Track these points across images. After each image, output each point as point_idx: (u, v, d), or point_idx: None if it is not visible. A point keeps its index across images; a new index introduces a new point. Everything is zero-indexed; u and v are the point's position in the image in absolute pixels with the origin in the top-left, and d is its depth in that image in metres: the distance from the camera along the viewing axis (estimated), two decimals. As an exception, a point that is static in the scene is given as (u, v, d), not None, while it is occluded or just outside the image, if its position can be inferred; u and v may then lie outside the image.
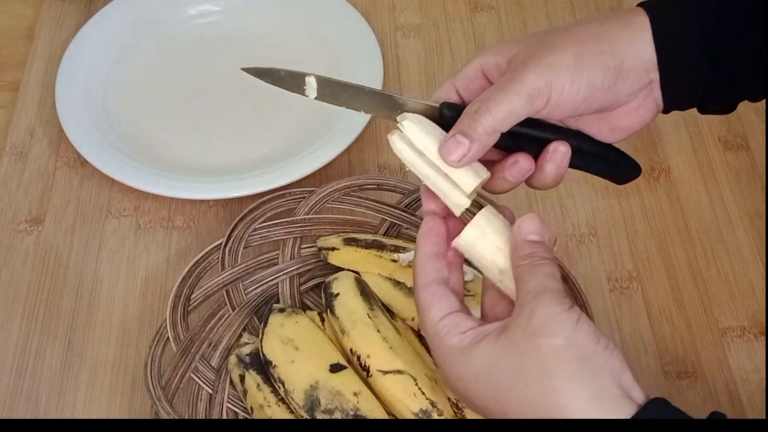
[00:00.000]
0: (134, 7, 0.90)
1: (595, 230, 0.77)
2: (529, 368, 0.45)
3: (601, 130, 0.54)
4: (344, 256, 0.70)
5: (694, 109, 0.55)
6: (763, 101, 0.56)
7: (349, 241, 0.70)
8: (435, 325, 0.49)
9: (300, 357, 0.63)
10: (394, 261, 0.68)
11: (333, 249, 0.70)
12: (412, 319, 0.66)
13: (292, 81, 0.54)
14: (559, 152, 0.52)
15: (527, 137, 0.52)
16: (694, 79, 0.52)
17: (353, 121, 0.80)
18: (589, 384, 0.44)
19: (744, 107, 0.84)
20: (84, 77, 0.85)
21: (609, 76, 0.51)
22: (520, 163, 0.52)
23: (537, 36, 0.53)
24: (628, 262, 0.75)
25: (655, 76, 0.52)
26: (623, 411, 0.44)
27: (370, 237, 0.70)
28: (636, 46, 0.51)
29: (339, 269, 0.70)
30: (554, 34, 0.53)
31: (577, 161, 0.53)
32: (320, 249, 0.71)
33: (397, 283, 0.68)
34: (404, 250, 0.69)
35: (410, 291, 0.67)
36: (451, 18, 0.92)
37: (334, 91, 0.54)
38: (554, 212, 0.78)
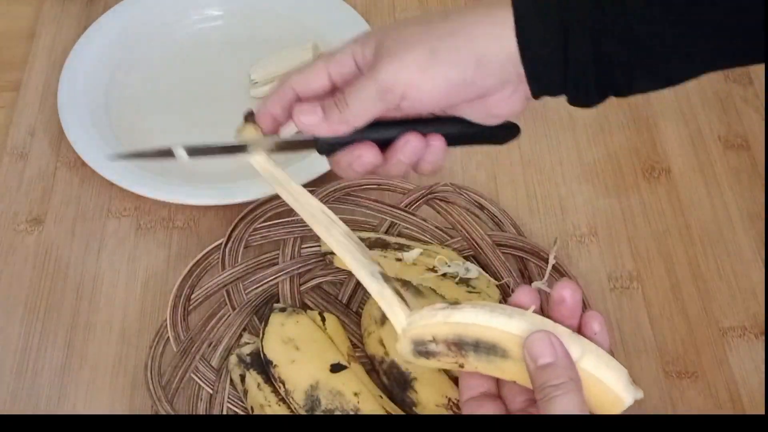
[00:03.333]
0: (137, 11, 0.90)
1: (595, 230, 0.77)
2: None
3: (479, 116, 0.54)
4: None
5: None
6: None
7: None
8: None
9: (301, 357, 0.63)
10: (399, 260, 0.68)
11: None
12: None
13: (161, 154, 0.58)
14: (409, 144, 0.53)
15: (381, 128, 0.53)
16: (557, 75, 0.51)
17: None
18: None
19: (744, 107, 0.85)
20: (86, 79, 0.85)
21: (467, 71, 0.50)
22: (363, 157, 0.54)
23: (399, 27, 0.53)
24: (629, 262, 0.75)
25: (521, 69, 0.51)
26: None
27: (373, 235, 0.70)
28: (498, 41, 0.50)
29: (345, 271, 0.70)
30: (415, 26, 0.52)
31: (454, 142, 0.55)
32: (325, 254, 0.71)
33: (405, 283, 0.68)
34: (408, 248, 0.69)
35: (418, 291, 0.67)
36: (452, 18, 0.92)
37: (202, 152, 0.59)
38: (554, 212, 0.78)
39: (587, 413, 0.44)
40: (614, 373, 0.46)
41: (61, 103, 0.82)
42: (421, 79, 0.50)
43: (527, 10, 0.50)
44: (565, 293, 0.49)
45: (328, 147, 0.54)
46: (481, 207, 0.74)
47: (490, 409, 0.49)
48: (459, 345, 0.48)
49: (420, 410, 0.62)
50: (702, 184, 0.80)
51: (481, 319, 0.48)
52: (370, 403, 0.61)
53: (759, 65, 0.53)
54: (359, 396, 0.61)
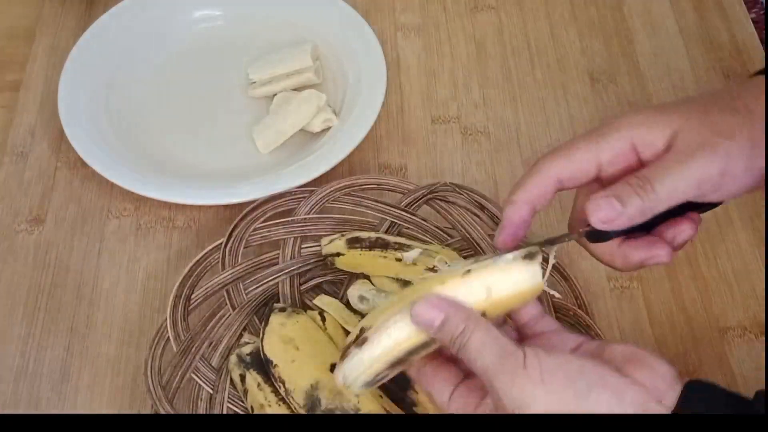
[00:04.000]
0: (137, 11, 0.90)
1: (595, 230, 0.77)
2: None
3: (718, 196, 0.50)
4: (350, 260, 0.70)
5: None
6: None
7: (352, 243, 0.70)
8: (447, 411, 0.49)
9: (301, 357, 0.63)
10: (399, 260, 0.68)
11: (338, 255, 0.70)
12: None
13: None
14: (686, 232, 0.50)
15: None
16: None
17: (355, 127, 0.80)
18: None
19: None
20: (87, 79, 0.85)
21: None
22: (660, 257, 0.50)
23: (696, 107, 0.50)
24: (629, 262, 0.75)
25: None
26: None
27: (373, 235, 0.70)
28: None
29: (345, 271, 0.70)
30: (719, 110, 0.49)
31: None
32: (326, 256, 0.71)
33: (405, 283, 0.68)
34: (408, 247, 0.69)
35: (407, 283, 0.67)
36: (451, 18, 0.92)
37: None
38: (554, 212, 0.78)
39: (498, 339, 0.45)
40: (508, 275, 0.47)
41: (61, 103, 0.82)
42: (741, 171, 0.48)
43: None
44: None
45: (605, 236, 0.50)
46: (481, 207, 0.74)
47: (444, 375, 0.49)
48: (399, 362, 0.50)
49: (420, 410, 0.62)
50: (702, 184, 0.79)
51: (391, 342, 0.48)
52: (370, 403, 0.61)
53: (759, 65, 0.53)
54: (359, 396, 0.61)
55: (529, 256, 0.48)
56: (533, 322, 0.52)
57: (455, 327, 0.46)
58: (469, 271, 0.48)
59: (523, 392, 0.44)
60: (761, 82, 0.51)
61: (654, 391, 0.45)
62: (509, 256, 0.48)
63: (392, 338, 0.48)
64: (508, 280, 0.48)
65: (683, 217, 0.51)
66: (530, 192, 0.51)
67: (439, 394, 0.49)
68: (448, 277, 0.48)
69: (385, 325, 0.49)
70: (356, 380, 0.50)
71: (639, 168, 0.50)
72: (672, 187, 0.48)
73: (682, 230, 0.51)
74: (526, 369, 0.44)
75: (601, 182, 0.52)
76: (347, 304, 0.68)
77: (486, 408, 0.47)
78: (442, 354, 0.51)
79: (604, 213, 0.48)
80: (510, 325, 0.53)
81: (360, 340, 0.49)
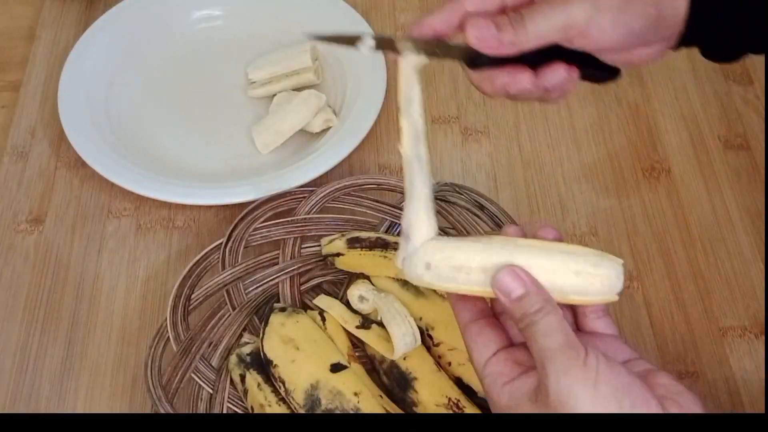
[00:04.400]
0: (137, 11, 0.90)
1: (595, 230, 0.77)
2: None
3: (614, 60, 0.55)
4: (350, 260, 0.70)
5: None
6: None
7: (352, 243, 0.70)
8: (480, 372, 0.49)
9: (301, 357, 0.63)
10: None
11: (338, 255, 0.70)
12: (420, 318, 0.66)
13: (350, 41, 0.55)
14: (557, 74, 0.53)
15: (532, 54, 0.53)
16: (719, 33, 0.53)
17: (355, 127, 0.80)
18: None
19: (744, 107, 0.85)
20: (87, 79, 0.85)
21: (648, 24, 0.52)
22: (522, 81, 0.53)
23: None
24: (629, 262, 0.75)
25: (680, 28, 0.53)
26: None
27: (373, 235, 0.70)
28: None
29: (345, 271, 0.70)
30: None
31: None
32: (326, 256, 0.71)
33: (405, 283, 0.68)
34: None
35: (418, 291, 0.67)
36: (452, 18, 0.92)
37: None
38: (554, 211, 0.78)
39: (568, 331, 0.46)
40: (587, 280, 0.49)
41: (61, 103, 0.82)
42: (609, 24, 0.51)
43: None
44: (548, 235, 0.51)
45: (480, 62, 0.54)
46: (481, 207, 0.74)
47: (490, 336, 0.49)
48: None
49: (420, 410, 0.62)
50: (702, 184, 0.80)
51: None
52: (370, 402, 0.61)
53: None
54: (359, 396, 0.61)
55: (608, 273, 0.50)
56: (594, 316, 0.52)
57: (532, 304, 0.47)
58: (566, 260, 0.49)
59: (573, 387, 0.44)
60: None
61: None
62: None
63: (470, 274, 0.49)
64: (594, 286, 0.49)
65: (557, 61, 0.54)
66: (437, 17, 0.54)
67: (479, 353, 0.49)
68: (544, 259, 0.49)
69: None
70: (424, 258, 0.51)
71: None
72: (541, 26, 0.51)
73: (554, 69, 0.54)
74: (585, 367, 0.44)
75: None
76: (347, 304, 0.68)
77: (519, 386, 0.47)
78: (493, 315, 0.52)
79: (480, 32, 0.52)
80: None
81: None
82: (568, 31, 0.51)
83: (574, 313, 0.52)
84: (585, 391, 0.44)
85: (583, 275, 0.49)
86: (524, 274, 0.48)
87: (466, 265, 0.49)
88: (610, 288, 0.49)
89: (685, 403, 0.46)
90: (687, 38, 0.54)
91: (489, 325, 0.50)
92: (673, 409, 0.45)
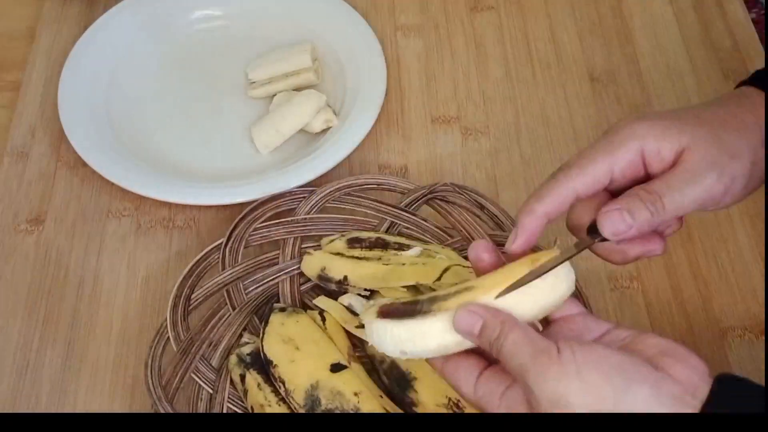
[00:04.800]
0: (137, 11, 0.90)
1: (595, 230, 0.77)
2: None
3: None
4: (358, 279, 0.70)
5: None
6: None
7: (352, 243, 0.70)
8: (474, 398, 0.49)
9: (301, 357, 0.63)
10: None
11: (338, 255, 0.70)
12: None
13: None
14: (674, 226, 0.54)
15: None
16: None
17: (355, 127, 0.80)
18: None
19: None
20: (87, 79, 0.85)
21: (761, 182, 0.54)
22: (656, 251, 0.53)
23: (705, 122, 0.52)
24: (629, 262, 0.75)
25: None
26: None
27: (373, 235, 0.70)
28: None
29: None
30: (726, 129, 0.52)
31: None
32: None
33: (407, 288, 0.68)
34: (407, 247, 0.69)
35: (417, 290, 0.67)
36: (451, 18, 0.92)
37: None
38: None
39: (532, 338, 0.46)
40: (543, 296, 0.49)
41: (61, 103, 0.82)
42: (740, 191, 0.52)
43: None
44: (484, 256, 0.52)
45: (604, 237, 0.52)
46: (481, 207, 0.74)
47: (466, 365, 0.50)
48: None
49: (420, 410, 0.62)
50: (702, 184, 0.79)
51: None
52: (371, 402, 0.61)
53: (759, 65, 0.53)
54: (359, 396, 0.61)
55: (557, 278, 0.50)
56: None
57: (493, 330, 0.47)
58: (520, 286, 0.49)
59: (557, 389, 0.44)
60: (753, 92, 0.54)
61: (689, 385, 0.45)
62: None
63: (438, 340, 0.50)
64: (556, 293, 0.50)
65: None
66: (548, 205, 0.52)
67: (465, 383, 0.49)
68: (494, 285, 0.49)
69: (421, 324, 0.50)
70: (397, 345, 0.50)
71: (645, 177, 0.52)
72: (680, 203, 0.50)
73: (670, 224, 0.54)
74: (561, 364, 0.44)
75: (606, 190, 0.54)
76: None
77: (514, 395, 0.47)
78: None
79: (616, 227, 0.50)
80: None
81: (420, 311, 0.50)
82: (705, 204, 0.51)
83: None
84: (570, 386, 0.44)
85: (536, 295, 0.49)
86: (475, 307, 0.48)
87: (434, 337, 0.49)
88: (567, 285, 0.50)
89: (679, 353, 0.47)
90: None
91: (461, 357, 0.50)
92: (671, 368, 0.45)
